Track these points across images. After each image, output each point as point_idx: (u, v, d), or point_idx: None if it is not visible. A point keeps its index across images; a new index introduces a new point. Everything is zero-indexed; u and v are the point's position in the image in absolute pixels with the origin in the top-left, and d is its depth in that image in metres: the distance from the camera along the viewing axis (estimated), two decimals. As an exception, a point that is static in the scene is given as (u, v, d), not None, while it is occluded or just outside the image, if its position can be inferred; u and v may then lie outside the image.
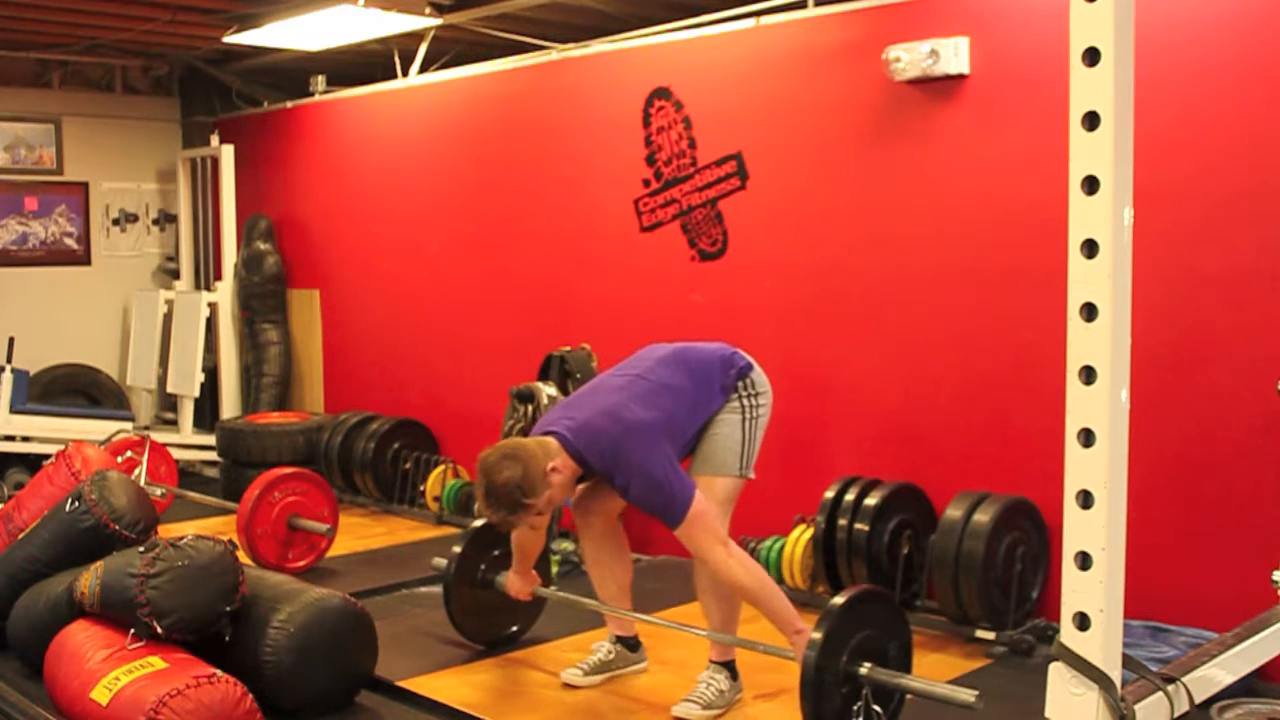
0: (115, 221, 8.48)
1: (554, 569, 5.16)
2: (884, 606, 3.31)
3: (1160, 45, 3.91)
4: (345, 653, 3.62)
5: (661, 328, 5.63)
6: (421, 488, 6.47)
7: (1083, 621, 2.25)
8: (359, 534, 6.14)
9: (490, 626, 4.30)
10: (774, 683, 3.83)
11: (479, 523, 4.24)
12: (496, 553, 4.20)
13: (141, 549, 3.49)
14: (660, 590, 4.81)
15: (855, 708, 3.12)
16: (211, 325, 7.93)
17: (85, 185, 8.32)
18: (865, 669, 3.13)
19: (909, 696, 3.25)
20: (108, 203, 8.43)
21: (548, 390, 5.13)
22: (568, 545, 5.29)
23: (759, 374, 3.72)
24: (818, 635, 3.08)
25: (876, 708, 3.13)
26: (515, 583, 4.06)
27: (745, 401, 3.66)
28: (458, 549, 4.19)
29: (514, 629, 4.36)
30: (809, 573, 4.68)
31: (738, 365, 3.68)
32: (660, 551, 5.50)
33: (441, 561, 4.24)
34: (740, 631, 3.74)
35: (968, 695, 3.02)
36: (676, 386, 3.59)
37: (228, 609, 3.47)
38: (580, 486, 3.84)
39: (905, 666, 3.28)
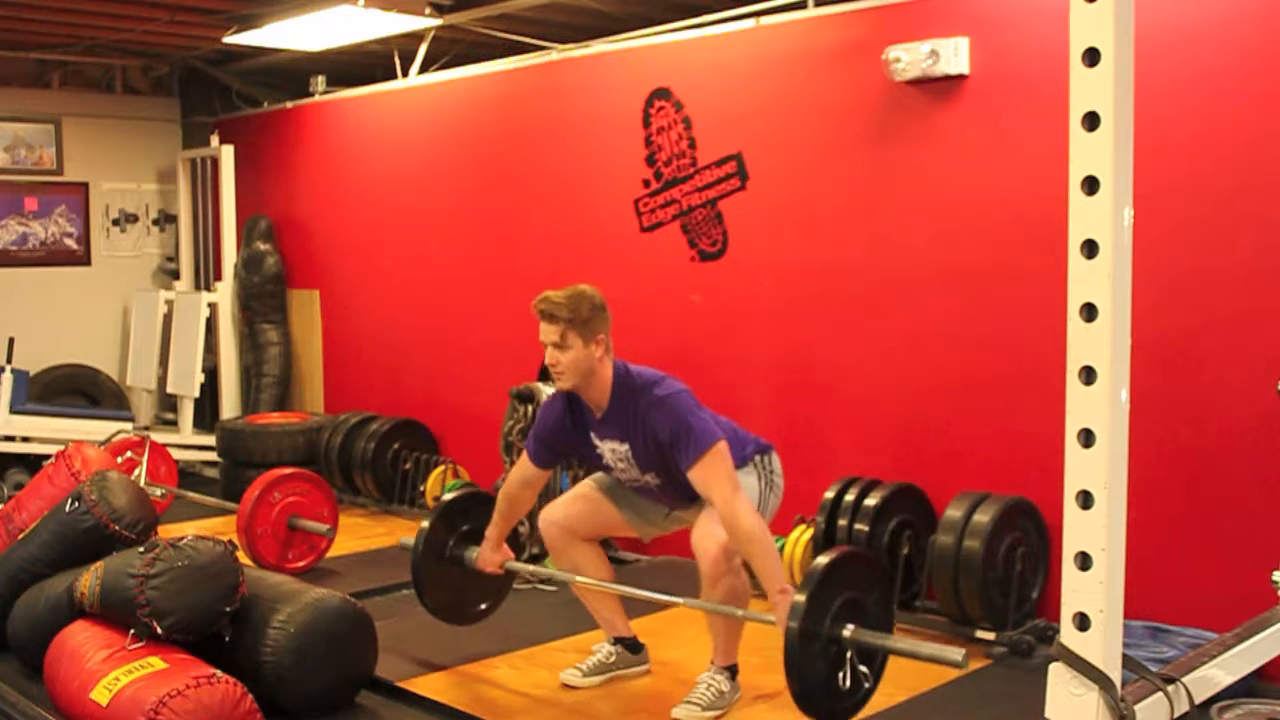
0: (115, 222, 8.48)
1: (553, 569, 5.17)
2: (865, 568, 3.27)
3: (1160, 45, 3.91)
4: (345, 653, 3.61)
5: (661, 328, 5.65)
6: (421, 488, 6.47)
7: (1083, 622, 2.25)
8: (359, 534, 6.15)
9: (460, 605, 4.17)
10: (774, 684, 3.82)
11: (449, 496, 4.15)
12: (466, 528, 4.07)
13: (141, 549, 3.49)
14: (660, 590, 4.80)
15: (840, 674, 3.09)
16: (211, 325, 7.93)
17: (85, 185, 8.32)
18: (849, 631, 3.10)
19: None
20: (108, 203, 8.44)
21: (547, 390, 5.12)
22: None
23: (778, 460, 3.81)
24: (800, 598, 3.03)
25: (863, 668, 3.11)
26: (486, 554, 3.96)
27: (761, 470, 3.74)
28: (426, 524, 4.04)
29: (483, 606, 4.23)
30: (809, 573, 4.68)
31: (758, 442, 3.78)
32: (661, 552, 5.50)
33: (409, 539, 4.09)
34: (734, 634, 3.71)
35: (955, 654, 3.02)
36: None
37: (228, 609, 3.47)
38: (558, 506, 3.89)
39: (887, 626, 3.25)
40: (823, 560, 3.13)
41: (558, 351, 3.56)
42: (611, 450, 3.69)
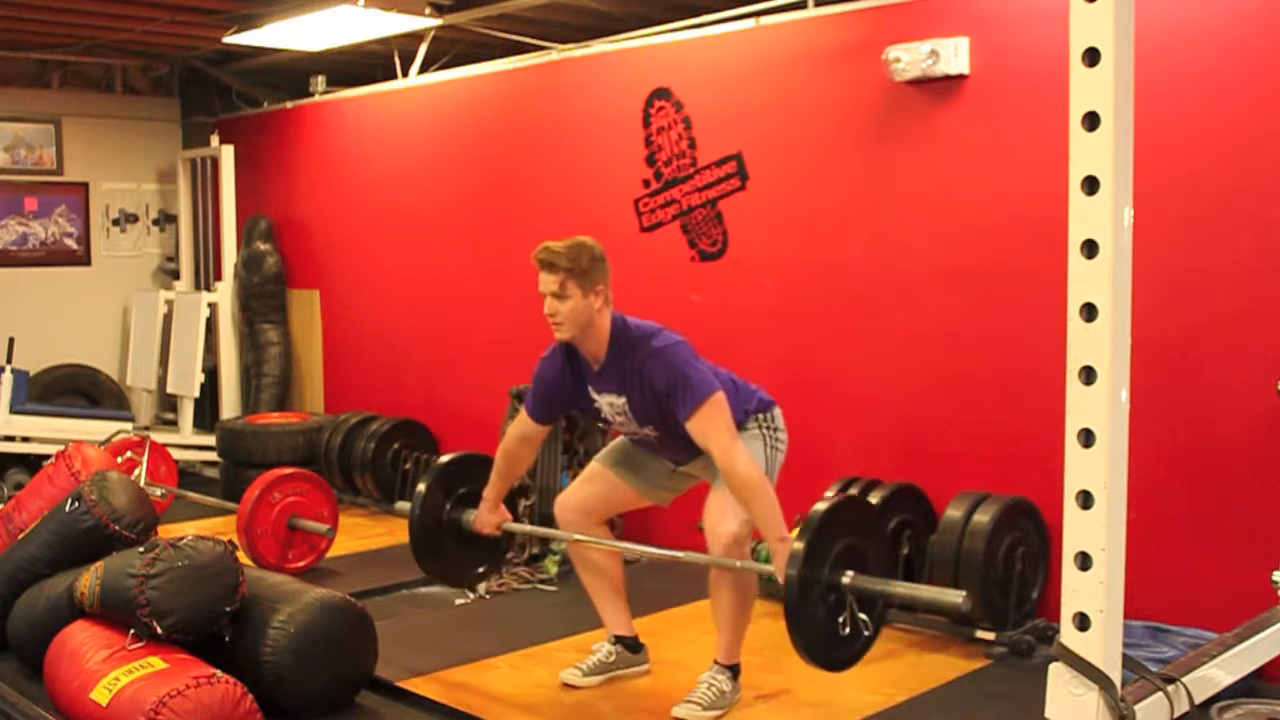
0: (115, 222, 8.48)
1: (553, 569, 5.17)
2: (863, 514, 3.27)
3: (1160, 45, 3.91)
4: (345, 653, 3.61)
5: (661, 328, 5.64)
6: (421, 488, 6.47)
7: (1083, 622, 2.25)
8: (359, 534, 6.15)
9: (458, 567, 4.15)
10: (775, 684, 3.84)
11: (445, 458, 4.13)
12: (463, 490, 4.04)
13: (141, 549, 3.49)
14: (661, 590, 4.82)
15: (840, 619, 3.09)
16: (211, 325, 7.93)
17: (85, 185, 8.32)
18: (848, 578, 3.09)
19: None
20: (108, 203, 8.44)
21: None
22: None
23: (780, 415, 3.79)
24: (799, 545, 3.03)
25: (863, 615, 3.11)
26: (484, 516, 3.93)
27: (764, 431, 3.73)
28: (423, 486, 4.00)
29: (481, 569, 4.20)
30: (809, 573, 4.68)
31: (760, 399, 3.76)
32: (660, 551, 5.49)
33: (405, 505, 4.06)
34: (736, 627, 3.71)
35: (955, 596, 3.01)
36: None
37: (228, 609, 3.47)
38: (572, 491, 3.88)
39: (887, 573, 3.24)
40: (821, 507, 3.12)
41: (556, 301, 3.54)
42: (609, 404, 3.67)
